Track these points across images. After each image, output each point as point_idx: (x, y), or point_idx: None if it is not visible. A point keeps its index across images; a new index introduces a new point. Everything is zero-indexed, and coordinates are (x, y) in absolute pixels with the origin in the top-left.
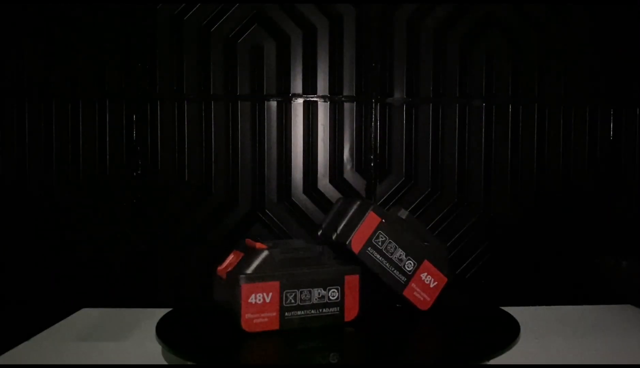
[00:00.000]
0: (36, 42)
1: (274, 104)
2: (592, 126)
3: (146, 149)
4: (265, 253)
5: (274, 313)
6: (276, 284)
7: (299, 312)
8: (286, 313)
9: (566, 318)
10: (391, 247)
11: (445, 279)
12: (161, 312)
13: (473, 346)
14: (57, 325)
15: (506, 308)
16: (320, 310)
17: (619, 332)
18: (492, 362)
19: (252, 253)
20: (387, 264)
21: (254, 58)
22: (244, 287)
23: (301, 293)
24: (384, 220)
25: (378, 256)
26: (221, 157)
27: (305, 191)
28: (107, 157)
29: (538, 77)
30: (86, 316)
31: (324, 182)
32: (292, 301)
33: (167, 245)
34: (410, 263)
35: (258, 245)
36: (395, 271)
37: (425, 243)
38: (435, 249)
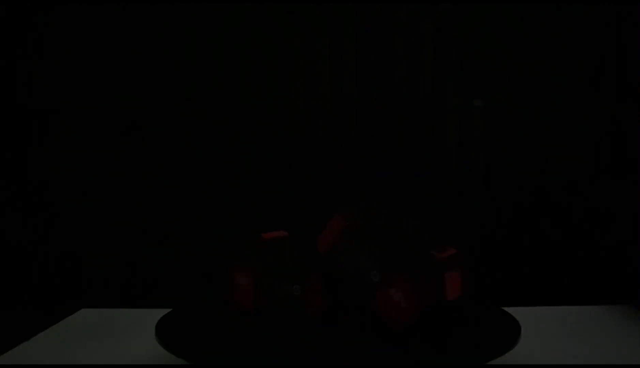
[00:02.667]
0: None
1: None
2: (593, 126)
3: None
4: (254, 243)
5: (249, 294)
6: (249, 270)
7: (267, 299)
8: (257, 297)
9: (566, 318)
10: (357, 253)
11: (418, 304)
12: (161, 312)
13: (473, 347)
14: (57, 325)
15: (506, 309)
16: (285, 302)
17: (619, 332)
18: (493, 362)
19: (252, 241)
20: (352, 271)
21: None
22: (235, 270)
23: (269, 283)
24: (349, 224)
25: (343, 261)
26: (219, 158)
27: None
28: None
29: (538, 77)
30: (86, 316)
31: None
32: (262, 288)
33: (167, 245)
34: (377, 274)
35: (264, 235)
36: (359, 280)
37: (422, 255)
38: (418, 264)
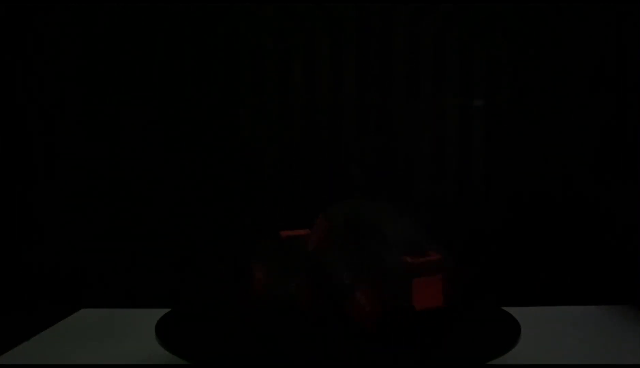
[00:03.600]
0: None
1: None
2: (593, 126)
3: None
4: (268, 242)
5: (261, 288)
6: (263, 267)
7: (273, 294)
8: (266, 291)
9: (566, 318)
10: (334, 255)
11: (380, 309)
12: (161, 312)
13: (473, 347)
14: (56, 325)
15: (506, 309)
16: (285, 298)
17: (619, 332)
18: (493, 362)
19: (269, 238)
20: (330, 272)
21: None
22: (252, 265)
23: (274, 279)
24: (331, 225)
25: (326, 261)
26: (218, 159)
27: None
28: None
29: (538, 77)
30: (86, 316)
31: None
32: (269, 283)
33: (167, 245)
34: (347, 277)
35: (282, 233)
36: (336, 281)
37: (391, 261)
38: (384, 269)
